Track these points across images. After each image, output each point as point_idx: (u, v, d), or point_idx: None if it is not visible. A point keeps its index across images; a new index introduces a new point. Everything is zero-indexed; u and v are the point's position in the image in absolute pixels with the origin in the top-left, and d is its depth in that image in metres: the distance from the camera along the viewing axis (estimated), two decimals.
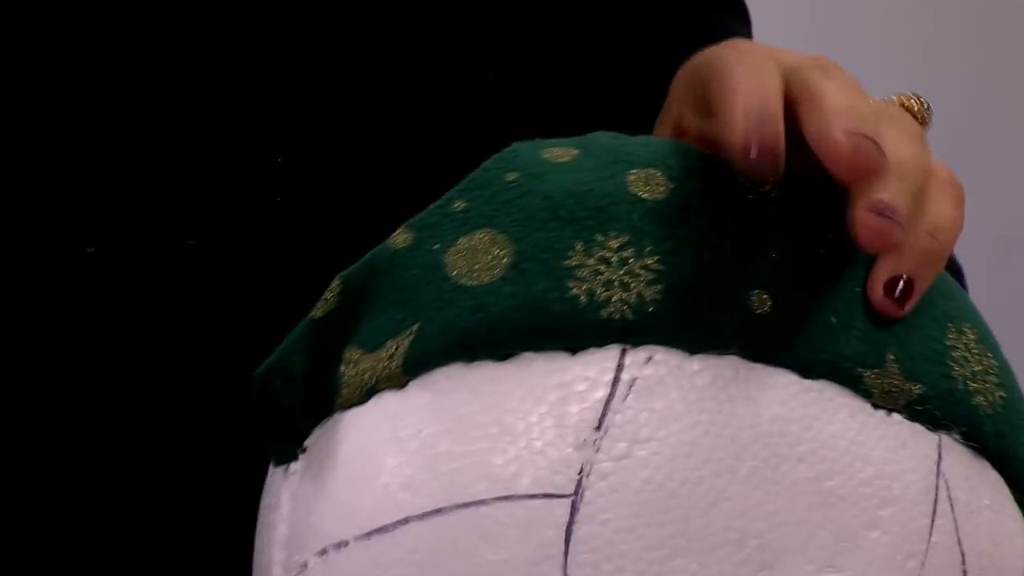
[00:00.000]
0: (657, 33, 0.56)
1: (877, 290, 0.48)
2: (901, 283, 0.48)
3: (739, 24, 0.71)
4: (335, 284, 0.49)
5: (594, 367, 0.46)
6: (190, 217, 0.56)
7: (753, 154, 0.46)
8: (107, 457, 0.56)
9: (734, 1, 0.72)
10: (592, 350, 0.46)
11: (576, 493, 0.45)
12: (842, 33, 1.60)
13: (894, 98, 0.52)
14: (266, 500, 0.50)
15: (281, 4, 0.60)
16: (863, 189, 0.46)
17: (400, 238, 0.49)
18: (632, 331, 0.46)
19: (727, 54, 0.50)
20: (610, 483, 0.45)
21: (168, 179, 0.57)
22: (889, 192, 0.46)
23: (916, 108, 0.52)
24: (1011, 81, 1.62)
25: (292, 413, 0.49)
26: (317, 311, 0.49)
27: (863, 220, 0.46)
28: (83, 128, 0.56)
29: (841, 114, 0.46)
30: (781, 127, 0.46)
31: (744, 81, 0.47)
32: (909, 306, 0.48)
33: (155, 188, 0.56)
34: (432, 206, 0.50)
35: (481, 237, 0.48)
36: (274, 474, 0.50)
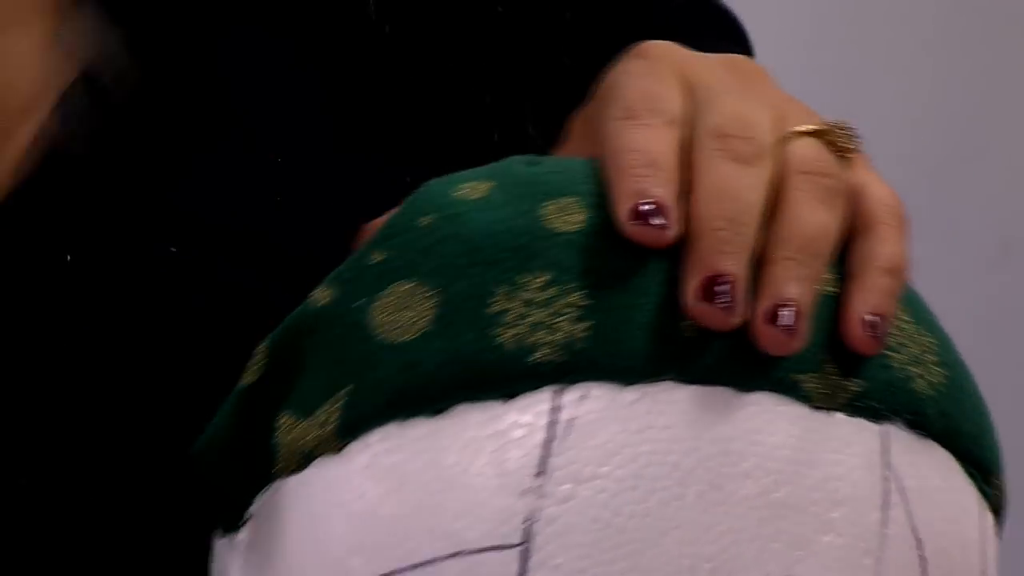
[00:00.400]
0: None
1: (856, 330, 0.47)
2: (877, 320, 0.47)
3: (737, 53, 0.70)
4: (261, 348, 0.48)
5: (529, 412, 0.45)
6: (176, 225, 0.56)
7: (638, 239, 0.46)
8: (82, 466, 0.55)
9: (733, 29, 0.71)
10: (526, 395, 0.45)
11: (525, 542, 0.44)
12: (842, 33, 1.59)
13: (816, 126, 0.50)
14: (215, 569, 0.50)
15: (281, 11, 0.60)
16: (762, 283, 0.46)
17: (322, 295, 0.49)
18: (565, 371, 0.45)
19: (622, 100, 0.49)
20: (557, 528, 0.44)
21: (155, 186, 0.57)
22: (793, 291, 0.46)
23: (839, 141, 0.50)
24: (1011, 81, 1.61)
25: (231, 484, 0.48)
26: (245, 378, 0.48)
27: (762, 331, 0.46)
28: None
29: (711, 233, 0.46)
30: (668, 213, 0.46)
31: (631, 156, 0.47)
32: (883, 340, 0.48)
33: (140, 196, 0.56)
34: (350, 258, 0.49)
35: (402, 289, 0.47)
36: (220, 544, 0.50)
